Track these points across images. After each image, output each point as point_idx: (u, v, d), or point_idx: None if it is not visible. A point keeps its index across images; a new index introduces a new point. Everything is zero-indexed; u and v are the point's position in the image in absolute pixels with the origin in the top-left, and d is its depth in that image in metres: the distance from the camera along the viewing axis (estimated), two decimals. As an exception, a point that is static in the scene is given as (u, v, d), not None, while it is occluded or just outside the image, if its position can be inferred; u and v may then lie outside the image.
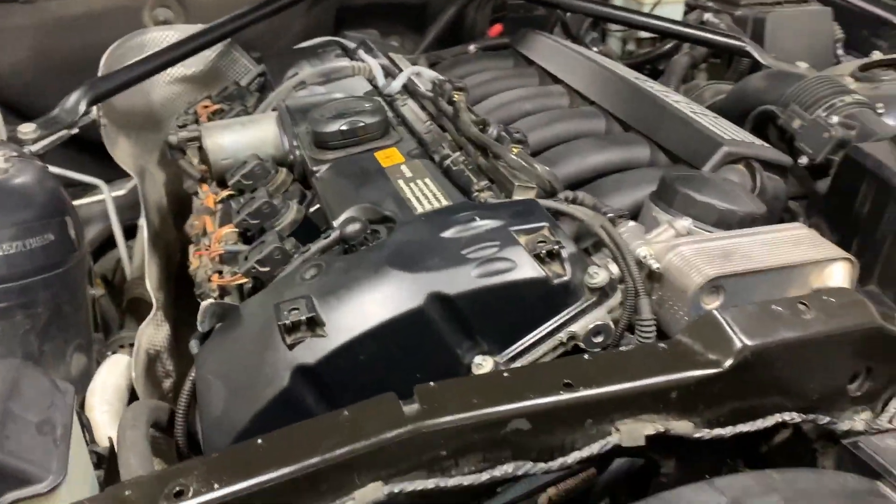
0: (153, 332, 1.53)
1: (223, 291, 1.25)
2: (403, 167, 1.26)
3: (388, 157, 1.30)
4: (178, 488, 0.79)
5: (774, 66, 1.93)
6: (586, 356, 0.94)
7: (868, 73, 1.84)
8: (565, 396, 0.88)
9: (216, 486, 0.79)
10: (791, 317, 0.95)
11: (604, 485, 1.07)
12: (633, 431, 0.89)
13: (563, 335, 1.06)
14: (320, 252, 1.12)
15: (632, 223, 1.19)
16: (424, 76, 1.74)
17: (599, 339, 1.07)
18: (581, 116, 1.65)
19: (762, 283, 1.06)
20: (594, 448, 0.89)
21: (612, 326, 1.07)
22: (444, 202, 1.15)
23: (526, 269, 1.03)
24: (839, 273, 1.08)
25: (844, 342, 0.97)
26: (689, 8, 2.37)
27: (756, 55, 1.94)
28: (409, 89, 1.69)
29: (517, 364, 1.06)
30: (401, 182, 1.22)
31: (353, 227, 1.10)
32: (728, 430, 0.93)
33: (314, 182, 1.33)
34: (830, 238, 1.48)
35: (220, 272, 1.27)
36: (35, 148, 1.46)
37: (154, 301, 1.52)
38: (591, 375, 0.90)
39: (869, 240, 1.38)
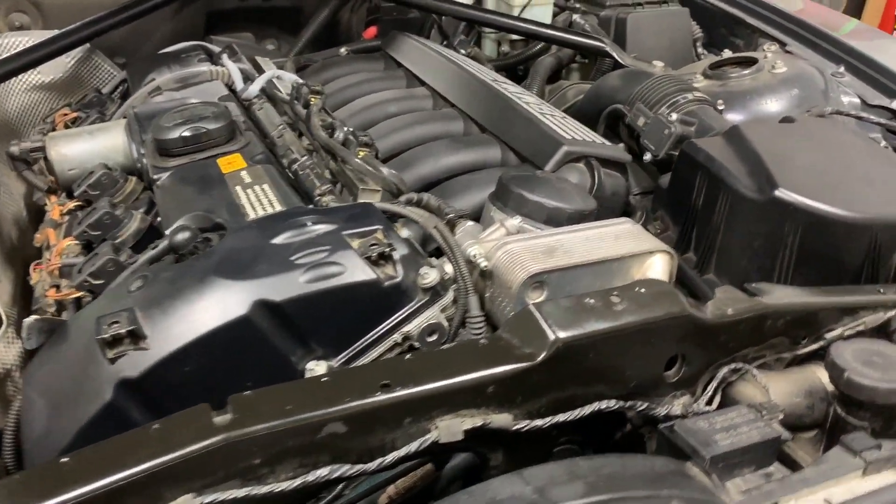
0: (3, 349, 1.47)
1: (61, 306, 1.22)
2: (244, 173, 1.25)
3: (230, 163, 1.29)
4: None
5: (632, 65, 2.00)
6: (407, 356, 0.96)
7: (717, 71, 1.94)
8: (382, 397, 0.89)
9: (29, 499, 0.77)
10: (603, 308, 1.00)
11: (444, 481, 1.10)
12: (452, 427, 0.92)
13: (397, 336, 1.08)
14: (149, 263, 1.10)
15: (470, 223, 1.22)
16: (285, 80, 1.73)
17: (434, 338, 1.09)
18: (440, 119, 1.68)
19: (585, 276, 1.10)
20: (413, 446, 0.90)
21: (446, 325, 1.10)
22: (279, 207, 1.15)
23: (356, 272, 1.04)
24: (658, 265, 1.14)
25: (655, 331, 1.01)
26: (560, 9, 2.43)
27: (615, 55, 2.01)
28: (268, 93, 1.68)
29: (353, 365, 1.07)
30: (238, 188, 1.21)
31: (182, 236, 1.08)
32: (545, 421, 0.97)
33: (154, 190, 1.30)
34: (673, 230, 1.56)
35: (58, 286, 1.23)
36: None
37: (4, 318, 1.47)
38: (410, 374, 0.92)
39: (705, 230, 1.45)
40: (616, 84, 1.81)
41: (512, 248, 1.10)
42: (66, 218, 1.43)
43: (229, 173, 1.26)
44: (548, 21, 2.36)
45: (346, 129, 1.36)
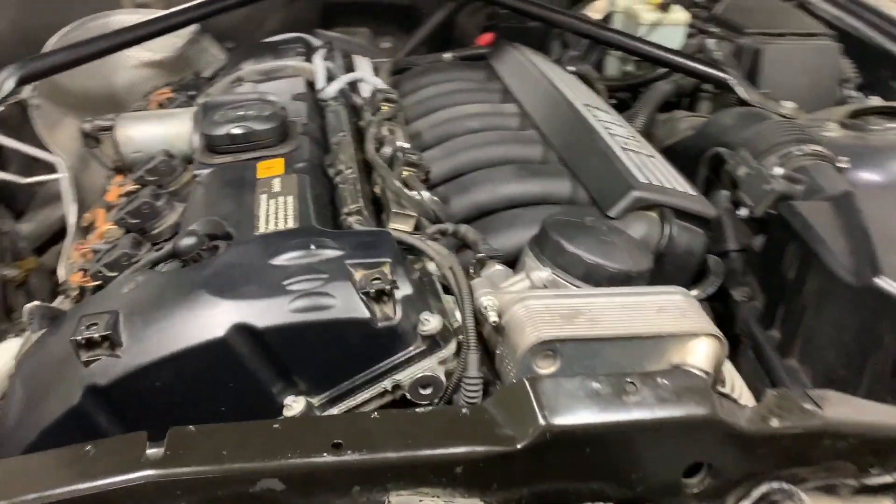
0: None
1: (83, 292, 1.21)
2: (276, 181, 1.19)
3: (270, 167, 1.23)
4: None
5: (758, 102, 1.78)
6: (374, 414, 0.86)
7: (858, 121, 1.67)
8: (329, 458, 0.79)
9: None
10: (611, 397, 0.85)
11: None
12: (406, 505, 0.81)
13: (387, 383, 0.98)
14: (151, 265, 1.06)
15: (499, 268, 1.10)
16: (369, 83, 1.67)
17: (427, 392, 0.98)
18: (518, 142, 1.55)
19: (610, 352, 0.95)
20: (358, 520, 0.80)
21: (443, 380, 0.98)
22: (291, 224, 1.08)
23: (348, 307, 0.95)
24: (702, 351, 0.96)
25: (673, 433, 0.85)
26: (697, 31, 2.22)
27: (738, 90, 1.79)
28: (346, 96, 1.62)
29: (335, 409, 0.98)
30: (263, 197, 1.15)
31: (187, 242, 1.03)
32: (522, 514, 0.84)
33: (193, 188, 1.27)
34: (759, 299, 1.35)
35: (85, 271, 1.23)
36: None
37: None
38: (367, 436, 0.82)
39: (792, 308, 1.25)
40: (728, 123, 1.61)
41: (529, 304, 0.96)
42: (122, 200, 1.43)
43: (262, 179, 1.20)
44: (678, 44, 2.16)
45: (397, 144, 1.27)
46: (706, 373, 0.96)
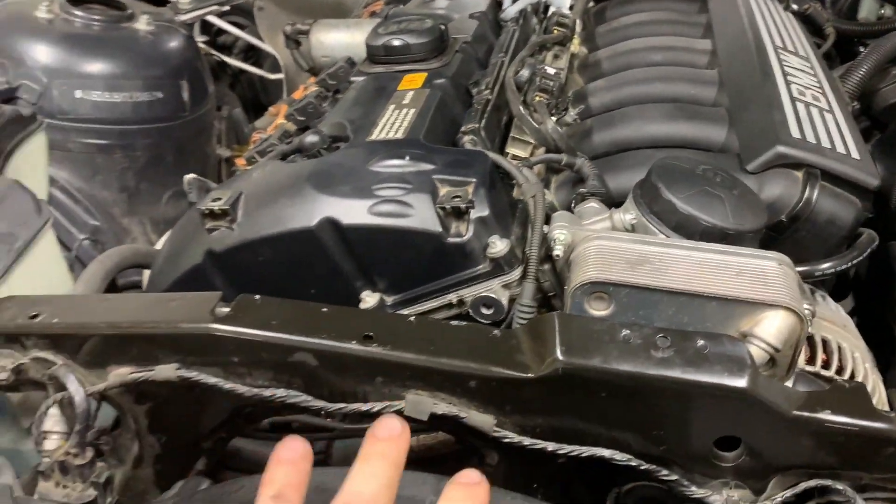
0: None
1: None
2: (409, 93, 1.24)
3: (412, 80, 1.29)
4: (34, 312, 0.96)
5: None
6: (411, 318, 0.91)
7: None
8: (356, 347, 0.87)
9: (56, 320, 0.95)
10: (637, 348, 0.81)
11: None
12: (420, 404, 0.86)
13: (452, 296, 1.03)
14: (281, 156, 1.19)
15: (593, 205, 1.07)
16: (556, 5, 1.65)
17: (488, 312, 1.01)
18: (692, 81, 1.44)
19: (669, 306, 0.90)
20: (378, 406, 0.88)
21: (504, 303, 1.00)
22: (399, 136, 1.14)
23: (422, 219, 1.00)
24: (774, 323, 0.87)
25: (699, 398, 0.80)
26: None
27: None
28: (525, 17, 1.62)
29: (405, 311, 1.05)
30: (391, 107, 1.22)
31: (310, 139, 1.15)
32: (532, 443, 0.85)
33: (344, 93, 1.38)
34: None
35: (253, 158, 1.40)
36: (184, 17, 1.69)
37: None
38: (396, 336, 0.88)
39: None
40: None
41: (597, 244, 0.94)
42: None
43: (399, 91, 1.26)
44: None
45: (537, 67, 1.26)
46: (774, 348, 0.88)
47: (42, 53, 1.48)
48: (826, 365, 1.04)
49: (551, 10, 1.66)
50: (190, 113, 1.63)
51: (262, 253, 1.07)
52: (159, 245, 1.54)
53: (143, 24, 1.59)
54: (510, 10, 1.61)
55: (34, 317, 0.95)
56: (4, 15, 1.53)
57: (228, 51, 2.29)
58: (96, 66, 1.50)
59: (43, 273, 1.16)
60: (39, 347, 0.94)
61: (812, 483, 0.84)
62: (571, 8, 1.69)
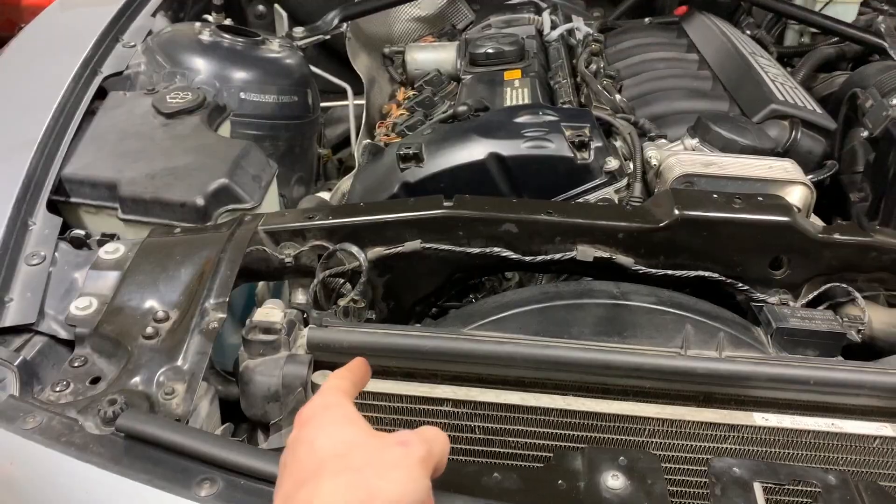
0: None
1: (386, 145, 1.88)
2: (517, 81, 1.79)
3: (512, 74, 1.84)
4: (311, 214, 1.41)
5: (907, 62, 2.13)
6: (573, 202, 1.42)
7: None
8: (542, 217, 1.36)
9: (332, 218, 1.40)
10: (724, 203, 1.34)
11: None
12: (586, 252, 1.36)
13: (582, 201, 1.54)
14: (440, 122, 1.69)
15: (664, 140, 1.62)
16: (581, 30, 2.23)
17: (605, 209, 1.53)
18: (693, 77, 2.04)
19: (729, 187, 1.45)
20: (557, 256, 1.37)
21: (618, 202, 1.53)
22: (527, 101, 1.67)
23: (560, 148, 1.52)
24: (796, 193, 1.43)
25: (761, 229, 1.33)
26: (871, 11, 2.56)
27: (892, 52, 2.15)
28: (564, 39, 2.19)
29: (546, 214, 1.56)
30: (509, 90, 1.75)
31: (462, 108, 1.66)
32: (658, 271, 1.36)
33: (461, 85, 1.91)
34: (871, 200, 1.76)
35: (387, 133, 1.90)
36: (300, 43, 2.19)
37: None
38: (568, 210, 1.38)
39: (890, 198, 1.65)
40: (869, 73, 2.00)
41: (679, 156, 1.48)
42: (405, 100, 2.10)
43: (507, 80, 1.80)
44: (850, 19, 2.51)
45: (602, 64, 1.82)
46: (797, 208, 1.43)
47: (212, 65, 1.93)
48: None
49: (579, 34, 2.24)
50: (313, 114, 2.10)
51: (443, 180, 1.56)
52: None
53: (274, 46, 2.06)
54: (553, 34, 2.19)
55: (310, 218, 1.40)
56: (178, 37, 1.97)
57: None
58: (251, 75, 1.96)
59: (272, 202, 1.60)
60: (316, 238, 1.39)
61: (829, 285, 1.37)
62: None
